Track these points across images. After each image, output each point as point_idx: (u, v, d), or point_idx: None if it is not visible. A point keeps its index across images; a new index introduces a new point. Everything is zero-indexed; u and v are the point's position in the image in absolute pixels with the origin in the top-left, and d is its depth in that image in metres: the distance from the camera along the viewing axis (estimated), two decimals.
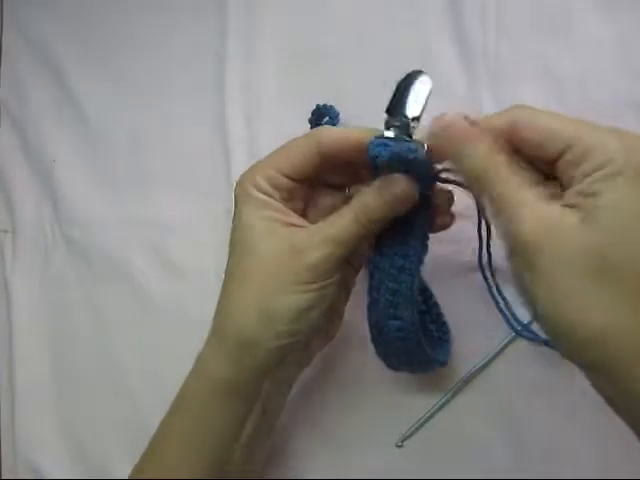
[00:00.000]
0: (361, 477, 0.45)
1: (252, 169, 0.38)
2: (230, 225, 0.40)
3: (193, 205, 0.52)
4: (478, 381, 0.44)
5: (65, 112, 0.57)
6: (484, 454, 0.44)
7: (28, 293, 0.56)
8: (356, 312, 0.41)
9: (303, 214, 0.39)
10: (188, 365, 0.41)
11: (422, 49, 0.47)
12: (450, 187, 0.38)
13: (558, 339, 0.30)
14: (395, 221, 0.37)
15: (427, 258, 0.44)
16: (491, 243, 0.42)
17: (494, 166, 0.31)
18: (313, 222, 0.38)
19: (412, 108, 0.34)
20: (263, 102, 0.51)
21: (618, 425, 0.41)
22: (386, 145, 0.34)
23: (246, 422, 0.39)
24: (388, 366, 0.41)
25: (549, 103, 0.43)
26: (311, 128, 0.45)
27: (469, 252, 0.43)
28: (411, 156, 0.34)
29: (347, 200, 0.37)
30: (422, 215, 0.37)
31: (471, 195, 0.38)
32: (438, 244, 0.44)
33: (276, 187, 0.37)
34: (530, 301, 0.30)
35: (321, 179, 0.40)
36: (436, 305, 0.44)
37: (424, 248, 0.38)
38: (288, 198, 0.38)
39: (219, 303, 0.39)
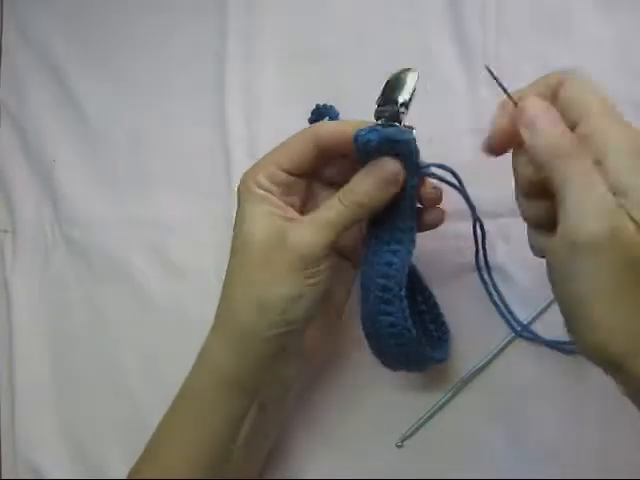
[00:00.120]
0: (361, 477, 0.45)
1: (254, 167, 0.39)
2: (230, 225, 0.40)
3: (193, 205, 0.52)
4: (478, 381, 0.44)
5: (65, 112, 0.57)
6: (484, 454, 0.44)
7: (28, 293, 0.56)
8: (356, 312, 0.41)
9: (302, 210, 0.40)
10: (188, 365, 0.42)
11: (422, 49, 0.47)
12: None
13: (604, 355, 0.29)
14: (384, 216, 0.38)
15: (427, 258, 0.45)
16: (487, 244, 0.42)
17: (574, 144, 0.29)
18: None
19: (399, 95, 0.36)
20: (263, 102, 0.51)
21: (618, 425, 0.41)
22: (376, 131, 0.35)
23: (245, 417, 0.40)
24: (384, 364, 0.41)
25: None
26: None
27: (469, 252, 0.43)
28: (399, 136, 0.35)
29: None
30: (410, 210, 0.38)
31: (461, 194, 0.39)
32: (438, 244, 0.44)
33: (276, 182, 0.39)
34: (569, 295, 0.29)
35: (320, 175, 0.41)
36: (435, 305, 0.44)
37: (412, 244, 0.38)
38: (287, 193, 0.39)
39: (221, 295, 0.40)
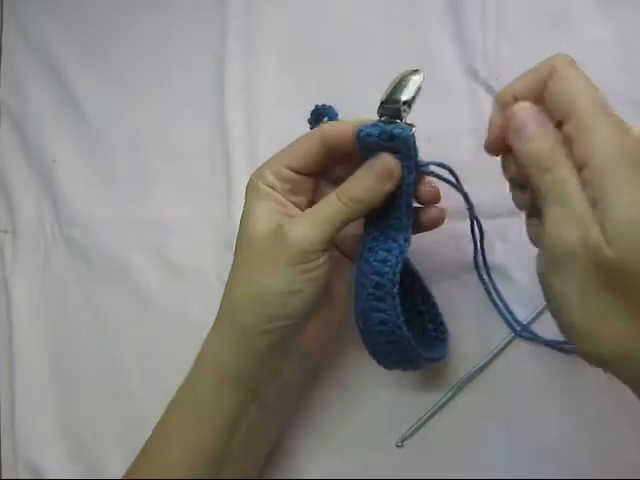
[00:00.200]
0: (361, 477, 0.45)
1: (262, 165, 0.40)
2: (229, 224, 0.40)
3: (193, 205, 0.52)
4: (478, 381, 0.44)
5: (65, 112, 0.57)
6: (484, 454, 0.44)
7: (28, 293, 0.56)
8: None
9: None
10: (188, 365, 0.42)
11: (422, 49, 0.47)
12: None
13: (584, 346, 0.30)
14: (381, 213, 0.38)
15: (427, 258, 0.45)
16: (485, 244, 0.42)
17: (557, 155, 0.30)
18: None
19: (403, 94, 0.37)
20: (263, 102, 0.51)
21: (618, 425, 0.41)
22: (376, 126, 0.36)
23: (245, 415, 0.40)
24: (378, 362, 0.41)
25: None
26: (310, 128, 0.45)
27: (469, 251, 0.43)
28: (397, 132, 0.36)
29: None
30: (406, 208, 0.38)
31: (459, 192, 0.39)
32: (438, 243, 0.44)
33: (282, 180, 0.39)
34: (554, 302, 0.30)
35: (328, 175, 0.41)
36: (434, 305, 0.44)
37: (407, 243, 0.38)
38: (294, 191, 0.40)
39: (223, 292, 0.40)
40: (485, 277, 0.43)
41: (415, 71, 0.37)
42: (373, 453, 0.46)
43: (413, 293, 0.44)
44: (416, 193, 0.39)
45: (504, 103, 0.32)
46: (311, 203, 0.40)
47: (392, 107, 0.37)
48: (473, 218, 0.41)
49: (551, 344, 0.42)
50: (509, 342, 0.44)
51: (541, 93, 0.31)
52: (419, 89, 0.37)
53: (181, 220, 0.53)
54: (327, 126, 0.39)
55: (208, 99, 0.53)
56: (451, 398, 0.44)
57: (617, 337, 0.28)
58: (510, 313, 0.43)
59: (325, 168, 0.40)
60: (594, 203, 0.28)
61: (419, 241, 0.41)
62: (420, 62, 0.46)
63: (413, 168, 0.37)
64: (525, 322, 0.43)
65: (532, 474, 0.42)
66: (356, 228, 0.40)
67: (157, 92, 0.54)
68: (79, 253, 0.55)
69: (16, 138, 0.58)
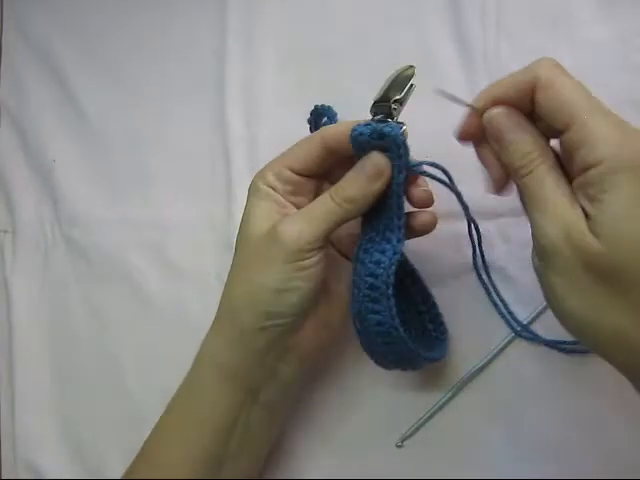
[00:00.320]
0: (361, 477, 0.45)
1: (265, 166, 0.41)
2: (229, 224, 0.40)
3: (193, 205, 0.52)
4: (478, 381, 0.44)
5: (65, 112, 0.57)
6: (484, 454, 0.44)
7: (28, 293, 0.56)
8: None
9: None
10: (188, 365, 0.42)
11: (422, 49, 0.47)
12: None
13: (579, 336, 0.31)
14: (374, 214, 0.38)
15: (427, 258, 0.45)
16: (486, 244, 0.42)
17: (533, 159, 0.32)
18: None
19: (394, 92, 0.37)
20: (263, 102, 0.51)
21: (618, 425, 0.41)
22: (368, 125, 0.36)
23: (243, 413, 0.40)
24: (376, 362, 0.41)
25: None
26: (310, 128, 0.45)
27: (469, 252, 0.43)
28: (386, 131, 0.36)
29: None
30: (397, 208, 0.38)
31: (453, 192, 0.39)
32: (438, 243, 0.44)
33: (282, 181, 0.39)
34: (548, 295, 0.32)
35: (330, 177, 0.41)
36: (434, 305, 0.44)
37: (400, 244, 0.38)
38: (295, 192, 0.40)
39: (223, 290, 0.40)
40: (485, 278, 0.43)
41: (409, 68, 0.37)
42: (373, 453, 0.46)
43: (412, 293, 0.44)
44: (408, 194, 0.39)
45: (482, 106, 0.34)
46: None
47: (383, 105, 0.37)
48: (469, 219, 0.41)
49: (551, 344, 0.42)
50: (509, 342, 0.44)
51: (522, 98, 0.32)
52: (411, 87, 0.37)
53: (181, 220, 0.53)
54: (327, 129, 0.40)
55: (208, 99, 0.53)
56: (451, 398, 0.44)
57: (609, 326, 0.29)
58: (510, 313, 0.43)
59: (327, 170, 0.40)
60: (592, 201, 0.29)
61: (419, 241, 0.41)
62: (420, 62, 0.46)
63: (403, 167, 0.37)
64: (525, 322, 0.43)
65: (532, 474, 0.42)
66: (354, 228, 0.40)
67: (157, 92, 0.54)
68: (79, 253, 0.55)
69: (16, 138, 0.58)
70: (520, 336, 0.43)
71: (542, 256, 0.31)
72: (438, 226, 0.41)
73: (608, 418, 0.41)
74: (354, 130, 0.37)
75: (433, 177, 0.39)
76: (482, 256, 0.43)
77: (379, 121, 0.37)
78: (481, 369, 0.44)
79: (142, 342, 0.53)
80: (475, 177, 0.40)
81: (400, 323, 0.37)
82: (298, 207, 0.40)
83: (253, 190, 0.40)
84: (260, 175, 0.40)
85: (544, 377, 0.43)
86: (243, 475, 0.42)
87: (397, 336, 0.37)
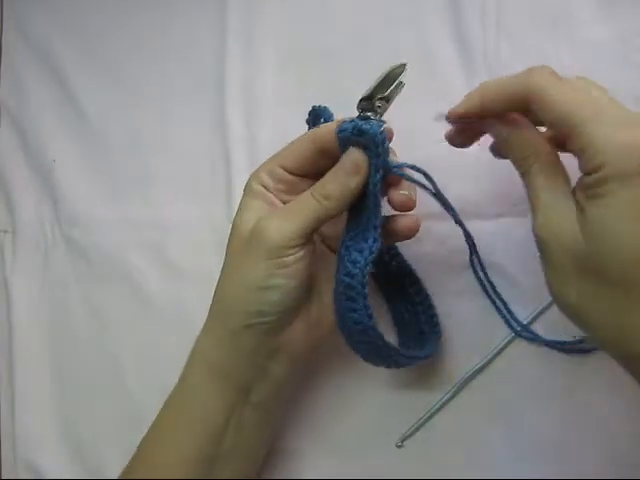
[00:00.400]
0: (361, 477, 0.45)
1: (260, 165, 0.41)
2: (229, 225, 0.40)
3: (193, 205, 0.52)
4: (478, 381, 0.44)
5: (65, 112, 0.57)
6: (484, 454, 0.44)
7: (28, 293, 0.56)
8: None
9: None
10: None
11: (422, 49, 0.47)
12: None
13: (578, 326, 0.32)
14: (354, 213, 0.38)
15: (427, 258, 0.45)
16: (487, 244, 0.42)
17: (527, 159, 0.33)
18: None
19: (379, 89, 0.37)
20: (263, 102, 0.51)
21: (618, 425, 0.41)
22: (352, 122, 0.36)
23: (235, 413, 0.40)
24: (362, 359, 0.40)
25: None
26: (308, 129, 0.45)
27: (468, 251, 0.43)
28: (365, 128, 0.36)
29: None
30: (374, 207, 0.37)
31: (435, 198, 0.39)
32: (437, 244, 0.44)
33: (275, 179, 0.40)
34: (547, 286, 0.33)
35: (322, 175, 0.40)
36: (431, 306, 0.44)
37: (376, 244, 0.37)
38: (288, 191, 0.40)
39: (215, 289, 0.41)
40: (483, 279, 0.43)
41: (400, 66, 0.37)
42: (373, 453, 0.46)
43: (411, 293, 0.45)
44: (388, 197, 0.38)
45: (475, 109, 0.35)
46: None
47: (368, 103, 0.37)
48: (457, 222, 0.41)
49: (551, 344, 0.42)
50: (509, 342, 0.44)
51: (516, 107, 0.33)
52: (399, 84, 0.37)
53: (181, 220, 0.53)
54: (319, 128, 0.40)
55: (208, 99, 0.53)
56: (451, 398, 0.44)
57: (601, 315, 0.30)
58: (510, 313, 0.43)
59: (320, 169, 0.39)
60: (590, 201, 0.30)
61: (419, 241, 0.41)
62: (420, 62, 0.47)
63: (380, 167, 0.37)
64: (525, 322, 0.43)
65: (532, 474, 0.42)
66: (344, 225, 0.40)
67: (157, 92, 0.54)
68: (79, 253, 0.55)
69: (16, 138, 0.58)
70: (520, 336, 0.43)
71: (539, 250, 0.32)
72: (437, 226, 0.41)
73: (608, 418, 0.41)
74: (339, 126, 0.37)
75: (413, 180, 0.38)
76: (478, 258, 0.43)
77: (362, 118, 0.37)
78: (481, 369, 0.44)
79: (142, 342, 0.53)
80: (474, 177, 0.40)
81: (377, 322, 0.37)
82: None
83: (247, 189, 0.40)
84: (254, 175, 0.40)
85: (544, 377, 0.43)
86: (240, 475, 0.42)
87: (375, 336, 0.37)
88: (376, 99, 0.37)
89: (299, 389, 0.46)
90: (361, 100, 0.37)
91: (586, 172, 0.30)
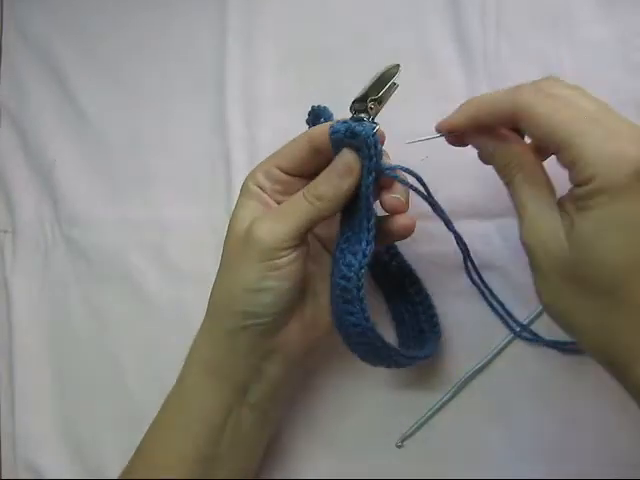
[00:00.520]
0: (361, 477, 0.45)
1: (257, 166, 0.41)
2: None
3: (193, 205, 0.52)
4: (478, 381, 0.44)
5: (65, 112, 0.57)
6: (484, 454, 0.44)
7: (28, 293, 0.56)
8: None
9: None
10: None
11: (422, 49, 0.47)
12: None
13: (565, 331, 0.33)
14: (347, 215, 0.38)
15: (426, 259, 0.45)
16: (485, 244, 0.42)
17: (510, 169, 0.34)
18: None
19: (372, 91, 0.37)
20: (263, 102, 0.51)
21: (618, 425, 0.41)
22: (345, 123, 0.36)
23: (232, 414, 0.40)
24: (361, 359, 0.40)
25: None
26: (308, 129, 0.45)
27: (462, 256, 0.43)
28: (357, 130, 0.35)
29: None
30: (366, 210, 0.37)
31: (426, 202, 0.39)
32: (436, 244, 0.44)
33: (271, 180, 0.40)
34: (536, 289, 0.33)
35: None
36: (431, 306, 0.44)
37: (369, 247, 0.37)
38: (284, 192, 0.40)
39: (211, 290, 0.41)
40: (478, 282, 0.43)
41: (394, 67, 0.37)
42: (373, 453, 0.46)
43: (411, 293, 0.45)
44: (380, 200, 0.38)
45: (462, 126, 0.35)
46: None
47: (361, 104, 0.37)
48: (449, 228, 0.41)
49: (551, 344, 0.42)
50: (509, 342, 0.44)
51: (504, 123, 0.34)
52: (393, 85, 0.37)
53: (181, 220, 0.53)
54: (314, 128, 0.39)
55: (208, 99, 0.53)
56: (451, 398, 0.44)
57: (587, 321, 0.31)
58: (509, 314, 0.43)
59: (316, 169, 0.39)
60: (578, 212, 0.30)
61: (419, 241, 0.41)
62: (420, 62, 0.47)
63: (373, 169, 0.36)
64: (525, 322, 0.43)
65: (532, 474, 0.42)
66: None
67: (157, 92, 0.54)
68: (79, 253, 0.55)
69: (16, 138, 0.58)
70: (520, 336, 0.43)
71: (528, 258, 0.33)
72: (437, 226, 0.41)
73: (608, 418, 0.41)
74: (331, 127, 0.37)
75: (406, 183, 0.38)
76: (472, 261, 0.43)
77: (356, 119, 0.37)
78: (481, 369, 0.44)
79: (142, 342, 0.53)
80: (473, 177, 0.40)
81: (375, 323, 0.37)
82: None
83: (243, 190, 0.40)
84: (250, 175, 0.40)
85: (544, 377, 0.43)
86: (237, 475, 0.42)
87: (373, 337, 0.37)
88: (369, 100, 0.37)
89: (298, 389, 0.46)
90: (354, 102, 0.37)
91: (576, 184, 0.30)
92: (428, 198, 0.39)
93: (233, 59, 0.52)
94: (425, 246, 0.45)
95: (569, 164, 0.30)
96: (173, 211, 0.53)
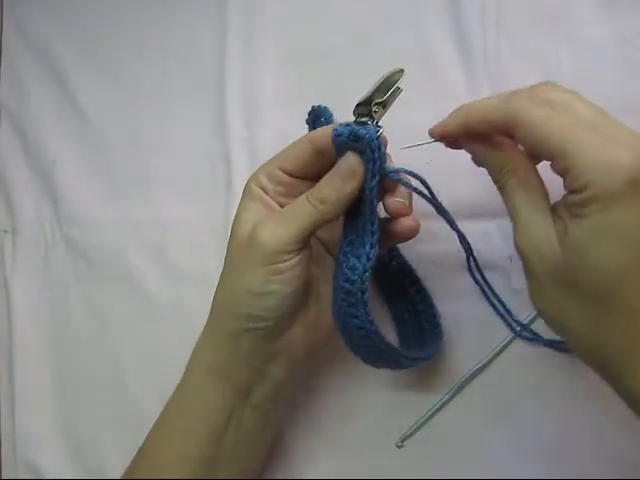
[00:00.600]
0: (361, 477, 0.45)
1: (259, 167, 0.41)
2: (229, 225, 0.40)
3: (193, 205, 0.52)
4: (478, 381, 0.44)
5: (65, 112, 0.57)
6: (484, 454, 0.44)
7: (28, 293, 0.57)
8: None
9: None
10: None
11: (422, 49, 0.47)
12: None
13: (556, 333, 0.33)
14: (351, 218, 0.38)
15: (426, 258, 0.45)
16: (486, 243, 0.42)
17: (503, 174, 0.34)
18: None
19: (376, 94, 0.37)
20: (263, 102, 0.51)
21: (618, 425, 0.41)
22: (348, 127, 0.36)
23: (235, 415, 0.40)
24: (363, 361, 0.40)
25: None
26: (309, 129, 0.45)
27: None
28: (361, 133, 0.35)
29: None
30: (370, 213, 0.37)
31: (431, 204, 0.39)
32: (437, 244, 0.44)
33: (274, 181, 0.40)
34: (529, 292, 0.34)
35: (320, 178, 0.40)
36: (432, 306, 0.44)
37: (373, 250, 0.37)
38: (287, 194, 0.40)
39: (214, 292, 0.41)
40: (481, 282, 0.43)
41: (398, 71, 0.37)
42: (373, 453, 0.46)
43: (411, 293, 0.44)
44: (383, 203, 0.38)
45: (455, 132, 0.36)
46: None
47: (364, 108, 0.37)
48: (454, 229, 0.41)
49: (551, 344, 0.42)
50: (509, 342, 0.44)
51: (497, 130, 0.34)
52: (397, 90, 0.37)
53: (181, 220, 0.53)
54: (317, 130, 0.39)
55: (208, 99, 0.53)
56: (451, 398, 0.44)
57: (579, 325, 0.31)
58: (509, 314, 0.43)
59: (319, 171, 0.39)
60: (572, 218, 0.30)
61: (419, 242, 0.41)
62: (420, 62, 0.47)
63: (377, 172, 0.36)
64: (525, 322, 0.43)
65: (532, 474, 0.42)
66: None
67: (157, 92, 0.54)
68: (79, 253, 0.55)
69: (16, 138, 0.58)
70: (520, 336, 0.43)
71: (522, 263, 0.33)
72: (437, 226, 0.41)
73: (608, 417, 0.41)
74: (335, 130, 0.37)
75: (409, 186, 0.38)
76: (475, 261, 0.43)
77: (359, 123, 0.37)
78: (481, 369, 0.44)
79: (142, 342, 0.53)
80: (473, 176, 0.40)
81: (378, 325, 0.37)
82: None
83: (246, 192, 0.40)
84: (253, 177, 0.40)
85: (544, 377, 0.43)
86: (240, 475, 0.42)
87: (377, 339, 0.37)
88: (373, 104, 0.36)
89: (300, 390, 0.46)
90: (358, 105, 0.37)
91: (570, 191, 0.30)
92: (432, 200, 0.39)
93: (233, 59, 0.52)
94: (425, 246, 0.44)
95: (563, 172, 0.30)
96: (173, 211, 0.53)
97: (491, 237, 0.44)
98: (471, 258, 0.42)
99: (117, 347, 0.53)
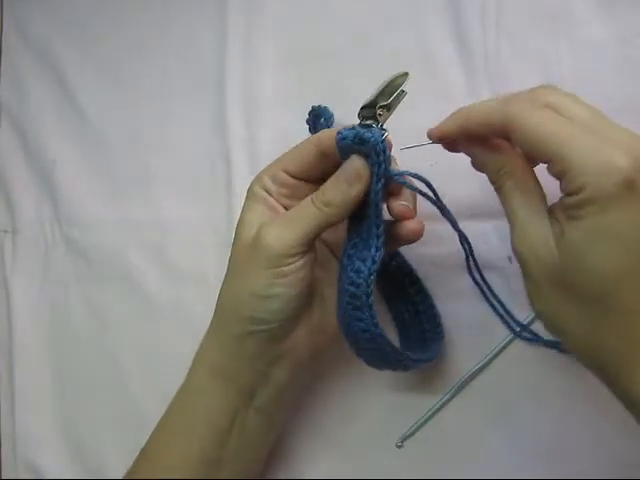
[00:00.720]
0: (361, 477, 0.45)
1: (263, 169, 0.41)
2: (229, 225, 0.40)
3: (193, 205, 0.52)
4: (478, 381, 0.44)
5: (65, 112, 0.57)
6: (484, 454, 0.44)
7: (28, 293, 0.57)
8: None
9: None
10: (188, 365, 0.42)
11: (422, 49, 0.47)
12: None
13: (553, 335, 0.33)
14: (356, 221, 0.38)
15: (426, 259, 0.45)
16: (485, 244, 0.42)
17: (500, 176, 0.34)
18: None
19: (381, 98, 0.37)
20: (263, 102, 0.51)
21: (618, 425, 0.41)
22: (353, 130, 0.36)
23: (238, 417, 0.40)
24: (366, 363, 0.40)
25: None
26: (309, 129, 0.45)
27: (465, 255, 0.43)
28: (366, 136, 0.35)
29: None
30: (375, 217, 0.37)
31: (436, 206, 0.39)
32: (437, 245, 0.44)
33: (277, 183, 0.40)
34: (527, 293, 0.34)
35: (325, 181, 0.40)
36: (432, 306, 0.44)
37: (379, 253, 0.37)
38: (291, 196, 0.40)
39: (218, 293, 0.41)
40: (480, 282, 0.43)
41: (403, 75, 0.37)
42: (373, 453, 0.46)
43: (411, 293, 0.44)
44: (388, 206, 0.38)
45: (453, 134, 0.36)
46: None
47: (369, 111, 0.37)
48: (456, 230, 0.41)
49: (551, 344, 0.42)
50: (509, 342, 0.44)
51: (494, 133, 0.34)
52: (401, 93, 0.37)
53: (181, 220, 0.53)
54: (322, 132, 0.39)
55: (208, 99, 0.53)
56: (451, 398, 0.44)
57: (576, 327, 0.31)
58: (509, 314, 0.43)
59: (323, 174, 0.39)
60: (569, 220, 0.30)
61: (419, 242, 0.41)
62: (420, 62, 0.47)
63: (382, 175, 0.36)
64: (525, 322, 0.43)
65: (532, 474, 0.42)
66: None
67: (157, 92, 0.54)
68: (79, 253, 0.55)
69: (16, 138, 0.58)
70: (520, 337, 0.43)
71: (519, 265, 0.33)
72: (437, 226, 0.41)
73: (607, 418, 0.41)
74: (339, 133, 0.37)
75: (414, 189, 0.38)
76: (475, 262, 0.43)
77: (364, 126, 0.37)
78: (481, 369, 0.44)
79: (142, 342, 0.53)
80: (472, 177, 0.40)
81: (383, 328, 0.37)
82: None
83: (249, 193, 0.40)
84: (257, 178, 0.40)
85: (543, 377, 0.43)
86: (242, 476, 0.42)
87: (382, 342, 0.37)
88: (377, 107, 0.36)
89: (303, 392, 0.46)
90: (362, 108, 0.37)
91: (567, 193, 0.30)
92: (437, 203, 0.39)
93: (233, 59, 0.52)
94: (426, 247, 0.44)
95: (559, 174, 0.30)
96: (173, 211, 0.53)
97: (489, 237, 0.44)
98: (470, 259, 0.42)
99: (117, 347, 0.53)
